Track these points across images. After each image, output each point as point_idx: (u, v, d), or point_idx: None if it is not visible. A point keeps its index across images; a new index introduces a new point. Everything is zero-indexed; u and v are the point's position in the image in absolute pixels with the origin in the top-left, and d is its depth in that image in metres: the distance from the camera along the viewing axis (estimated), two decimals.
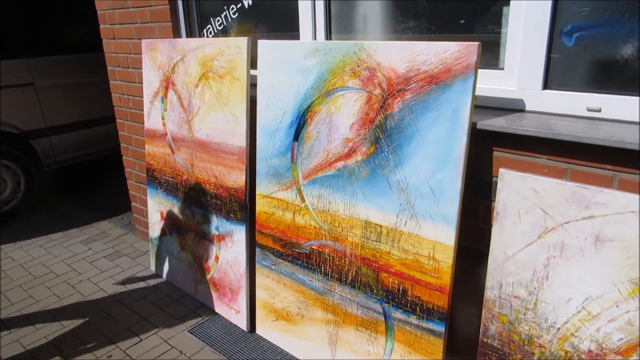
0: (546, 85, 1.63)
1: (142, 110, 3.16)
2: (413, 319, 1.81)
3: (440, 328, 1.74)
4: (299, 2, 2.23)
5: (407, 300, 1.81)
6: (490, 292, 1.64)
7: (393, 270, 1.83)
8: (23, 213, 4.25)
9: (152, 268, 3.19)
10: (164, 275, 3.08)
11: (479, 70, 1.72)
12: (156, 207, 3.00)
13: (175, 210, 2.83)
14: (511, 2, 1.62)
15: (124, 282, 3.05)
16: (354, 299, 1.99)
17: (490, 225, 1.71)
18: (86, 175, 5.35)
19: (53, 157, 4.41)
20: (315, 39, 2.25)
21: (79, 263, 3.35)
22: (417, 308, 1.79)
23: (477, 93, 1.72)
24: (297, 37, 2.32)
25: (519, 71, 1.65)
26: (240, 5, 2.55)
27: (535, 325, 1.55)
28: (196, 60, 2.48)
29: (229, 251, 2.49)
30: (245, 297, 2.46)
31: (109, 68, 3.38)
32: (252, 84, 2.27)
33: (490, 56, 1.75)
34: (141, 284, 3.03)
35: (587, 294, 1.43)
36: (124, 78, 3.28)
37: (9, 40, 4.01)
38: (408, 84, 1.66)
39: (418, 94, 1.64)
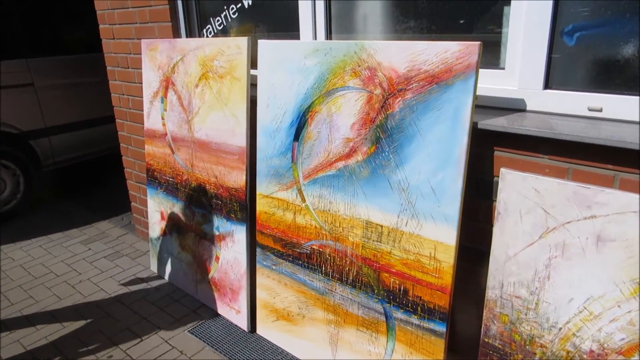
0: (547, 85, 1.62)
1: (142, 111, 3.16)
2: (414, 319, 1.81)
3: (442, 328, 1.74)
4: (299, 2, 2.23)
5: (408, 300, 1.81)
6: (491, 292, 1.64)
7: (394, 270, 1.83)
8: (23, 213, 4.25)
9: (152, 268, 3.18)
10: (164, 276, 3.08)
11: (480, 70, 1.72)
12: (156, 207, 3.00)
13: (176, 210, 2.83)
14: (512, 2, 1.62)
15: (128, 283, 3.05)
16: (355, 299, 1.99)
17: (492, 225, 1.71)
18: (86, 176, 5.34)
19: (52, 158, 4.40)
20: (316, 38, 2.25)
21: (79, 263, 3.34)
22: (418, 308, 1.79)
23: (478, 93, 1.72)
24: (297, 37, 2.32)
25: (520, 71, 1.65)
26: (240, 5, 2.55)
27: (536, 325, 1.55)
28: (196, 60, 2.47)
29: (229, 251, 2.49)
30: (245, 297, 2.45)
31: (108, 68, 3.37)
32: (252, 84, 2.27)
33: (491, 56, 1.75)
34: (141, 284, 3.03)
35: (588, 294, 1.43)
36: (124, 78, 3.27)
37: (8, 40, 4.00)
38: (409, 83, 1.66)
39: (419, 93, 1.64)
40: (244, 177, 2.32)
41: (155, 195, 2.98)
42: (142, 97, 3.12)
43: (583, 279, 1.43)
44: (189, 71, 2.53)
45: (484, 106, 1.76)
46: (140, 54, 2.96)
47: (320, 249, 2.07)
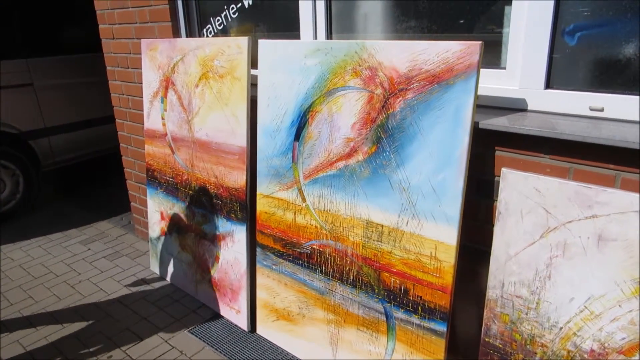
0: (548, 84, 1.62)
1: (142, 111, 3.15)
2: (415, 319, 1.81)
3: (442, 328, 1.74)
4: (300, 1, 2.23)
5: (408, 300, 1.81)
6: (492, 292, 1.64)
7: (395, 270, 1.83)
8: (22, 213, 4.24)
9: (152, 268, 3.18)
10: (164, 276, 3.07)
11: (481, 70, 1.72)
12: (156, 207, 2.99)
13: (175, 210, 2.82)
14: (513, 1, 1.62)
15: (128, 284, 3.04)
16: (355, 298, 1.99)
17: (492, 225, 1.71)
18: (85, 176, 5.33)
19: (52, 158, 4.39)
20: (316, 38, 2.25)
21: (79, 263, 3.34)
22: (419, 308, 1.78)
23: (479, 93, 1.72)
24: (297, 37, 2.32)
25: (521, 71, 1.65)
26: (240, 5, 2.55)
27: (537, 325, 1.55)
28: (196, 60, 2.47)
29: (229, 251, 2.49)
30: (245, 297, 2.45)
31: (108, 68, 3.37)
32: (253, 84, 2.27)
33: (492, 56, 1.75)
34: (141, 284, 3.03)
35: (589, 293, 1.43)
36: (124, 78, 3.27)
37: (8, 40, 4.00)
38: (410, 83, 1.66)
39: (420, 93, 1.64)
40: (244, 177, 2.32)
41: (155, 195, 2.98)
42: (142, 97, 3.11)
43: (584, 278, 1.43)
44: (189, 71, 2.53)
45: (485, 106, 1.76)
46: (140, 53, 2.95)
47: (321, 249, 2.07)
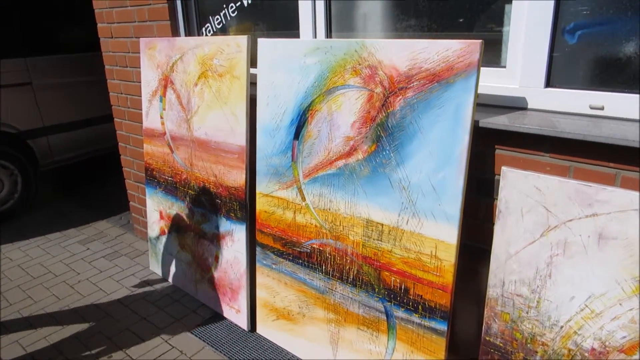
0: (549, 83, 1.62)
1: (141, 110, 3.15)
2: (415, 318, 1.80)
3: (443, 327, 1.74)
4: (299, 0, 2.22)
5: (409, 299, 1.81)
6: (492, 291, 1.64)
7: (395, 269, 1.83)
8: (21, 213, 4.23)
9: (151, 268, 3.17)
10: (163, 275, 3.07)
11: (481, 69, 1.71)
12: (155, 207, 2.99)
13: (175, 209, 2.82)
14: (513, 0, 1.62)
15: (127, 283, 3.04)
16: (356, 297, 1.99)
17: (493, 224, 1.71)
18: (84, 175, 5.32)
19: (51, 157, 4.38)
20: (316, 37, 2.25)
21: (78, 263, 3.33)
22: (419, 307, 1.78)
23: (479, 91, 1.71)
24: (297, 36, 2.31)
25: (522, 69, 1.65)
26: (239, 3, 2.54)
27: (538, 324, 1.55)
28: (195, 58, 2.46)
29: (229, 250, 2.48)
30: (245, 296, 2.45)
31: (106, 67, 3.36)
32: (252, 83, 2.26)
33: (492, 54, 1.74)
34: (140, 284, 3.02)
35: (590, 292, 1.43)
36: (122, 77, 3.26)
37: (6, 39, 3.99)
38: (410, 82, 1.66)
39: (420, 92, 1.64)
40: (244, 176, 2.31)
41: (154, 195, 2.97)
42: (140, 96, 3.11)
43: (584, 277, 1.43)
44: (188, 70, 2.52)
45: (485, 104, 1.76)
46: (139, 52, 2.95)
47: (321, 248, 2.07)
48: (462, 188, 1.59)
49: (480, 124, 1.59)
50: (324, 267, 2.08)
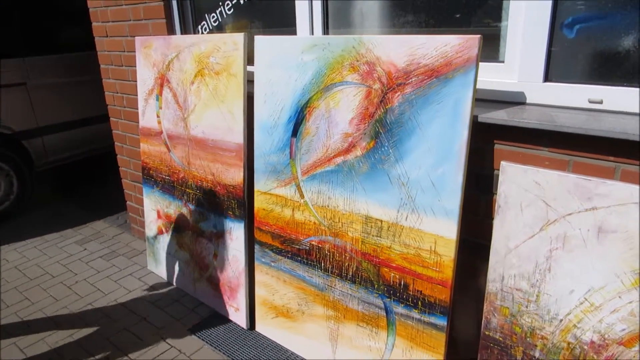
0: (547, 77, 1.62)
1: (137, 109, 3.13)
2: (415, 314, 1.81)
3: (443, 322, 1.74)
4: None
5: (408, 295, 1.81)
6: (492, 285, 1.64)
7: (394, 265, 1.83)
8: (16, 214, 4.20)
9: (149, 267, 3.16)
10: (162, 275, 3.06)
11: (480, 64, 1.71)
12: (152, 206, 2.98)
13: (172, 208, 2.81)
14: None
15: (125, 283, 3.02)
16: (355, 294, 1.99)
17: (492, 219, 1.71)
18: (80, 175, 5.30)
19: (46, 157, 4.36)
20: (313, 34, 2.24)
21: (75, 264, 3.31)
22: (419, 302, 1.78)
23: (477, 86, 1.71)
24: (294, 33, 2.30)
25: (520, 64, 1.65)
26: (235, 1, 2.53)
27: (537, 317, 1.55)
28: (191, 57, 2.45)
29: (227, 249, 2.48)
30: (244, 294, 2.44)
31: (102, 66, 3.34)
32: (249, 80, 2.25)
33: (491, 49, 1.75)
34: (138, 284, 3.01)
35: (589, 285, 1.43)
36: (118, 76, 3.24)
37: (2, 39, 3.95)
38: (408, 77, 1.66)
39: (418, 87, 1.64)
40: (242, 174, 2.31)
41: (151, 194, 2.96)
42: (136, 95, 3.09)
43: (584, 270, 1.43)
44: (184, 68, 2.51)
45: (483, 99, 1.76)
46: (135, 51, 2.93)
47: (320, 245, 2.07)
48: (461, 183, 1.59)
49: (479, 119, 1.59)
50: (323, 264, 2.08)
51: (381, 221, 1.83)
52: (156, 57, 2.68)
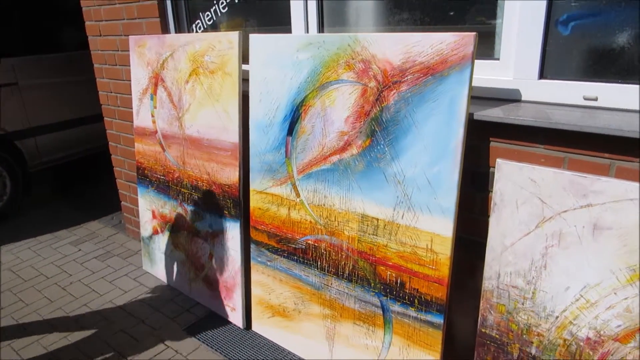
0: (542, 74, 1.63)
1: (131, 108, 3.11)
2: (411, 312, 1.81)
3: (439, 320, 1.74)
4: None
5: (405, 293, 1.81)
6: (488, 283, 1.64)
7: (390, 263, 1.82)
8: (10, 215, 4.16)
9: (144, 268, 3.15)
10: (157, 275, 3.04)
11: (475, 61, 1.71)
12: (147, 206, 2.96)
13: (167, 208, 2.79)
14: None
15: (120, 284, 3.01)
16: (351, 293, 1.98)
17: (488, 216, 1.71)
18: (74, 175, 5.27)
19: (39, 158, 4.33)
20: (308, 32, 2.23)
21: (69, 265, 3.29)
22: (416, 300, 1.78)
23: (473, 84, 1.71)
24: (289, 31, 2.30)
25: (515, 61, 1.65)
26: None
27: (533, 315, 1.56)
28: (186, 56, 2.44)
29: (223, 248, 2.47)
30: (240, 294, 2.43)
31: (95, 66, 3.32)
32: (244, 79, 2.24)
33: (486, 47, 1.75)
34: (134, 284, 2.99)
35: (585, 282, 1.43)
36: (111, 76, 3.22)
37: None
38: (404, 75, 1.66)
39: (414, 85, 1.64)
40: (237, 174, 2.30)
41: (146, 194, 2.94)
42: (130, 95, 3.07)
43: (579, 267, 1.44)
44: (178, 67, 2.50)
45: (479, 97, 1.76)
46: (128, 50, 2.91)
47: (316, 244, 2.06)
48: (457, 181, 1.59)
49: (475, 117, 1.59)
50: (319, 263, 2.07)
51: (377, 219, 1.82)
52: (150, 56, 2.67)
